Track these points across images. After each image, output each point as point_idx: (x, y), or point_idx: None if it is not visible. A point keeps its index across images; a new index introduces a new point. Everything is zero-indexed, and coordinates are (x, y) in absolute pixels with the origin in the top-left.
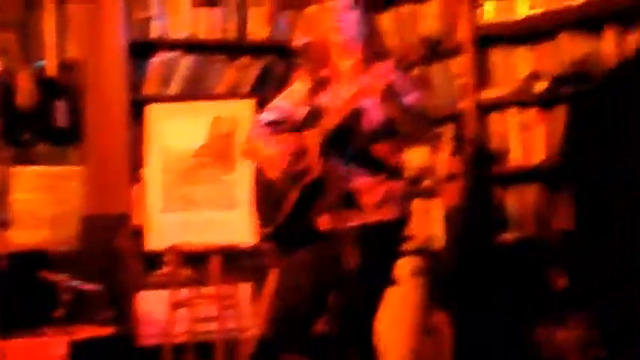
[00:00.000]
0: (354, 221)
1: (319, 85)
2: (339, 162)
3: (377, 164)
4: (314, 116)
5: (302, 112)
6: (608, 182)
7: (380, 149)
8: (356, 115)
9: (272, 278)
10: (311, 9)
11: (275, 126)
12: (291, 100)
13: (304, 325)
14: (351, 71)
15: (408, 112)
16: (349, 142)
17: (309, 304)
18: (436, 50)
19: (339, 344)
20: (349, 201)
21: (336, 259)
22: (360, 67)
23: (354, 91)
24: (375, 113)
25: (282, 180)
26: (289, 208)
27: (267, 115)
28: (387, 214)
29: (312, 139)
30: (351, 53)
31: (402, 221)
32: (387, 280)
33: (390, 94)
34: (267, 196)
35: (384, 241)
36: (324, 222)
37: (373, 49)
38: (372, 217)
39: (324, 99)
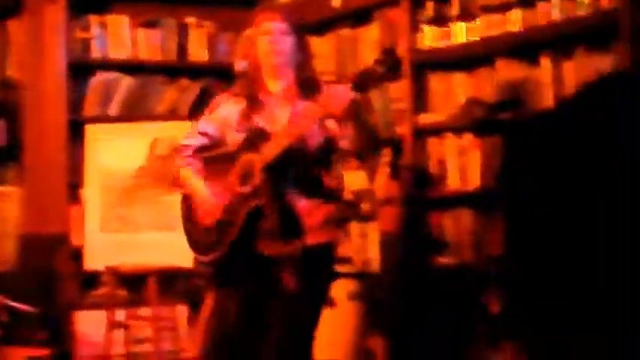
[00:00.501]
0: (297, 244)
1: (252, 107)
2: (282, 186)
3: (316, 187)
4: (254, 139)
5: (237, 136)
6: (542, 210)
7: (317, 171)
8: (303, 138)
9: (208, 301)
10: (248, 31)
11: (203, 152)
12: (218, 123)
13: (242, 349)
14: (283, 94)
15: (363, 131)
16: (292, 165)
17: (247, 329)
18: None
19: None
20: (290, 224)
21: (277, 283)
22: (294, 90)
23: (310, 113)
24: (316, 136)
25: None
26: (234, 236)
27: (194, 141)
28: (327, 236)
29: (255, 163)
30: (283, 76)
31: (336, 243)
32: (325, 302)
33: (350, 113)
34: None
35: (324, 263)
36: (266, 247)
37: (305, 74)
38: (314, 239)
39: (259, 121)
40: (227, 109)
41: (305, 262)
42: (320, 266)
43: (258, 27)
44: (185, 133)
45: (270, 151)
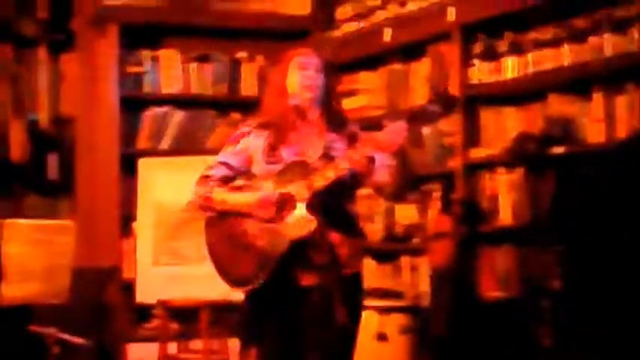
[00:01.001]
0: (335, 274)
1: (279, 140)
2: (322, 219)
3: (342, 219)
4: (293, 170)
5: (266, 167)
6: (597, 246)
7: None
8: (352, 174)
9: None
10: (276, 65)
11: (227, 182)
12: (241, 155)
13: None
14: (310, 128)
15: (404, 169)
16: (332, 199)
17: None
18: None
19: None
20: (328, 255)
21: (321, 315)
22: (321, 124)
23: (362, 150)
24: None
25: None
26: (275, 265)
27: (216, 171)
28: (358, 266)
29: (295, 195)
30: (310, 111)
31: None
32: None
33: (402, 153)
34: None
35: (357, 293)
36: (306, 278)
37: (333, 108)
38: (348, 270)
39: (286, 154)
40: (250, 141)
41: (347, 292)
42: (359, 296)
43: (290, 61)
44: (206, 165)
45: (319, 182)
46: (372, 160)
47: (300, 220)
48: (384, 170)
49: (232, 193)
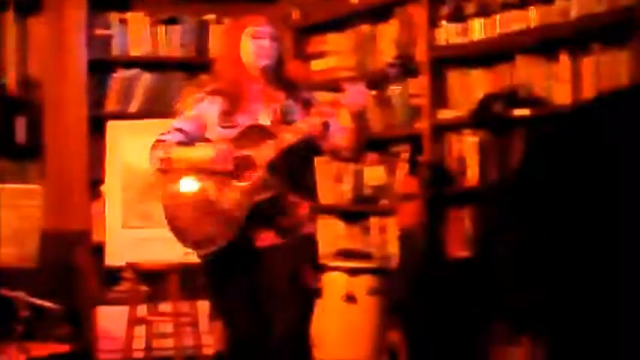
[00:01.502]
0: (288, 237)
1: (234, 105)
2: (283, 182)
3: (299, 182)
4: (250, 135)
5: (222, 132)
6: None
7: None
8: (309, 144)
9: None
10: (229, 31)
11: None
12: (196, 121)
13: (259, 343)
14: (264, 94)
15: (360, 132)
16: (294, 163)
17: (257, 323)
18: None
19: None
20: (285, 217)
21: (280, 274)
22: (272, 89)
23: (322, 113)
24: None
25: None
26: (237, 227)
27: (171, 137)
28: (312, 228)
29: (255, 158)
30: (263, 77)
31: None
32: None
33: (359, 116)
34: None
35: (313, 254)
36: (263, 239)
37: (283, 75)
38: (304, 230)
39: (241, 119)
40: (204, 107)
41: (300, 252)
42: (312, 256)
43: (244, 30)
44: (161, 132)
45: (279, 144)
46: (326, 125)
47: (260, 183)
48: (340, 134)
49: (191, 148)
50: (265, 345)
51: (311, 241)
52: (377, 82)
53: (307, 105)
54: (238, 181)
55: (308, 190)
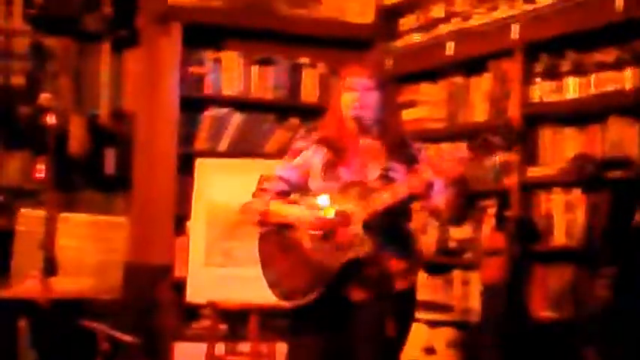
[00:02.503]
0: (387, 290)
1: (338, 158)
2: (378, 239)
3: (402, 238)
4: (349, 190)
5: (323, 185)
6: None
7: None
8: (412, 198)
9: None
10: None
11: (283, 196)
12: (300, 169)
13: None
14: (369, 150)
15: (462, 198)
16: (389, 218)
17: None
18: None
19: None
20: (380, 272)
21: (371, 330)
22: (379, 147)
23: (421, 176)
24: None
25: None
26: (327, 283)
27: (274, 186)
28: (411, 282)
29: (351, 213)
30: (367, 131)
31: (416, 289)
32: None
33: (460, 181)
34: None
35: (411, 309)
36: (358, 293)
37: (392, 131)
38: (400, 285)
39: (344, 173)
40: (309, 156)
41: (399, 307)
42: (405, 312)
43: (344, 81)
44: (263, 177)
45: (377, 204)
46: (430, 185)
47: (355, 240)
48: (441, 196)
49: (289, 205)
50: None
51: (405, 297)
52: (478, 149)
53: (412, 162)
54: (334, 236)
55: (405, 246)
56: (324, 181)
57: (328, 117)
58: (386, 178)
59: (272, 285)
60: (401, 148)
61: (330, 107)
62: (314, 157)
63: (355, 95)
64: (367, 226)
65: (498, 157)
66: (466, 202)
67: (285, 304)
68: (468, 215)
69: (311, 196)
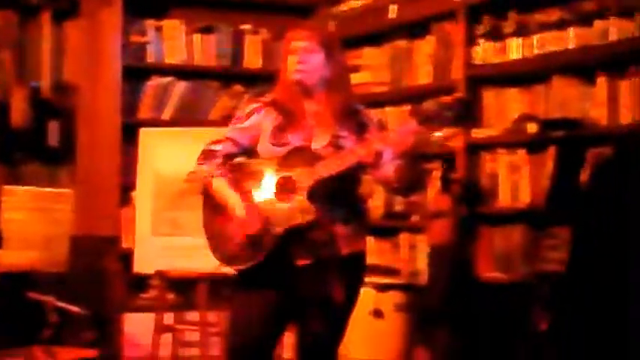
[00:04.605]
0: (333, 254)
1: (287, 122)
2: (324, 206)
3: (350, 204)
4: (295, 156)
5: (271, 149)
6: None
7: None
8: (359, 168)
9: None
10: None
11: (230, 159)
12: (249, 132)
13: (261, 354)
14: (317, 116)
15: (413, 170)
16: (337, 186)
17: (265, 334)
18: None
19: None
20: (326, 237)
21: (315, 293)
22: (329, 114)
23: (371, 145)
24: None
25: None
26: (269, 249)
27: (222, 147)
28: (358, 246)
29: (296, 180)
30: (314, 96)
31: (365, 253)
32: (352, 310)
33: (409, 154)
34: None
35: (360, 272)
36: (301, 258)
37: (340, 97)
38: (347, 249)
39: (293, 139)
40: (260, 119)
41: (345, 270)
42: (358, 274)
43: (287, 44)
44: (213, 139)
45: (323, 172)
46: (379, 154)
47: (298, 207)
48: (390, 166)
49: (229, 190)
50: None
51: (352, 261)
52: (429, 121)
53: (362, 129)
54: (278, 201)
55: (352, 212)
56: (272, 145)
57: (278, 81)
58: (335, 146)
59: (213, 249)
60: (351, 114)
61: (280, 72)
62: (264, 120)
63: (295, 58)
64: (312, 193)
65: (447, 131)
66: (415, 174)
67: (228, 268)
68: (417, 187)
69: (257, 161)
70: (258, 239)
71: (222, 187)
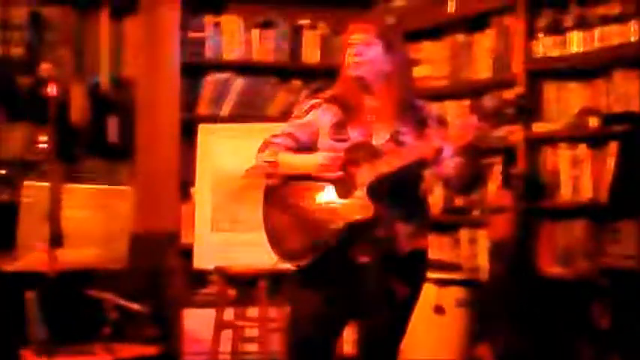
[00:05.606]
0: (390, 253)
1: (348, 118)
2: (384, 202)
3: (412, 201)
4: (358, 151)
5: (331, 144)
6: None
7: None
8: (420, 164)
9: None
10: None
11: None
12: (308, 128)
13: (321, 350)
14: (378, 112)
15: (472, 168)
16: (397, 182)
17: (325, 331)
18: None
19: None
20: (387, 234)
21: (377, 290)
22: (390, 109)
23: (432, 142)
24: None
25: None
26: (327, 245)
27: (282, 140)
28: (419, 243)
29: (358, 175)
30: (375, 91)
31: (427, 250)
32: (414, 306)
33: (469, 150)
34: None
35: (421, 269)
36: (362, 255)
37: (403, 93)
38: (408, 246)
39: (353, 134)
40: (319, 114)
41: (406, 268)
42: (420, 272)
43: (346, 39)
44: (272, 133)
45: (383, 168)
46: (439, 151)
47: (358, 203)
48: (450, 162)
49: (299, 155)
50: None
51: (414, 258)
52: (489, 118)
53: (423, 125)
54: (339, 197)
55: (414, 209)
56: (333, 141)
57: (339, 76)
58: (396, 142)
59: (272, 244)
60: (411, 109)
61: (341, 66)
62: (324, 116)
63: (353, 51)
64: (372, 188)
65: (507, 128)
66: (475, 171)
67: (286, 264)
68: (477, 185)
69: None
70: (314, 232)
71: (290, 157)
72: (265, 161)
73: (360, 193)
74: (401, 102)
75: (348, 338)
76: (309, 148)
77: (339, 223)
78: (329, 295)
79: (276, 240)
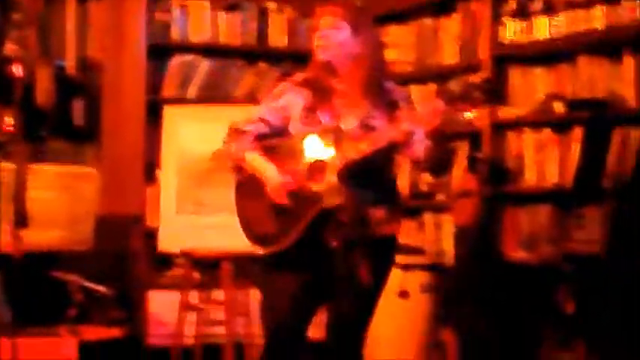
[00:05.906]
0: (364, 235)
1: (318, 102)
2: (355, 188)
3: (382, 185)
4: (327, 136)
5: (302, 129)
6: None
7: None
8: (391, 148)
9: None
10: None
11: (261, 140)
12: (280, 112)
13: (298, 334)
14: (348, 95)
15: (441, 150)
16: (368, 167)
17: (300, 314)
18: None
19: (332, 354)
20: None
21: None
22: (359, 92)
23: (400, 126)
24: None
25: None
26: (300, 231)
27: (254, 127)
28: (389, 228)
29: (328, 161)
30: (343, 74)
31: (397, 235)
32: (381, 292)
33: (437, 134)
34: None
35: (389, 254)
36: (333, 239)
37: (371, 74)
38: (379, 231)
39: (324, 118)
40: (290, 98)
41: (375, 253)
42: (388, 257)
43: (314, 22)
44: (244, 118)
45: (352, 154)
46: (410, 133)
47: (330, 189)
48: (420, 145)
49: (262, 162)
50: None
51: (380, 244)
52: (457, 101)
53: (393, 107)
54: (310, 182)
55: (384, 194)
56: (303, 125)
57: (311, 60)
58: (366, 126)
59: (245, 229)
60: (382, 92)
61: (312, 50)
62: (295, 100)
63: (320, 34)
64: (342, 174)
65: (474, 112)
66: (444, 154)
67: (259, 249)
68: (446, 167)
69: (290, 141)
70: (286, 218)
71: (256, 159)
72: (235, 152)
73: (332, 178)
74: (370, 85)
75: (317, 322)
76: (281, 132)
77: (312, 209)
78: (301, 278)
79: (248, 225)
